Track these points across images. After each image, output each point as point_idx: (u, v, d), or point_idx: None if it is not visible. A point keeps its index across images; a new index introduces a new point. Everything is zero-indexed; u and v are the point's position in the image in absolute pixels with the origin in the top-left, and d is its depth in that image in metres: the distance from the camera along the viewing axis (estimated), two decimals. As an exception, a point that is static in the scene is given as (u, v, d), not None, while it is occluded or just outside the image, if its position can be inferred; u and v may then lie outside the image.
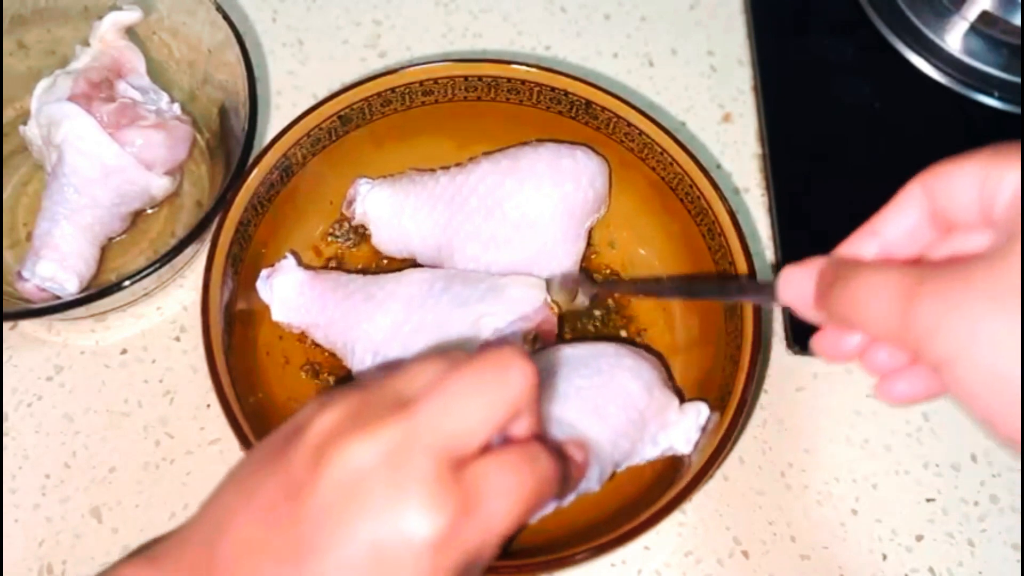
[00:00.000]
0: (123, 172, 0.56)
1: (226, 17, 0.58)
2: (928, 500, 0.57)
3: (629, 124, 0.57)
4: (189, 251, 0.54)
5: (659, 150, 0.57)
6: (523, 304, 0.52)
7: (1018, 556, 0.56)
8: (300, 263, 0.57)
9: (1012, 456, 0.58)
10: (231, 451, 0.56)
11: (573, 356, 0.53)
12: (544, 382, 0.50)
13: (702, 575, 0.54)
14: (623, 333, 0.59)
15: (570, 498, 0.48)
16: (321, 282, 0.55)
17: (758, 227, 0.64)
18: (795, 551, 0.55)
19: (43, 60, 0.62)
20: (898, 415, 0.59)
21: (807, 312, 0.37)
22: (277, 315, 0.55)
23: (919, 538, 0.56)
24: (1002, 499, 0.57)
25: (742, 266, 0.54)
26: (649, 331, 0.59)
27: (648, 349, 0.57)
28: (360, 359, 0.53)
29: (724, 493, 0.56)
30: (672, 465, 0.52)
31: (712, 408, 0.52)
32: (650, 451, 0.52)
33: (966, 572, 0.55)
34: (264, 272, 0.56)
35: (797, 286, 0.37)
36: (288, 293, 0.55)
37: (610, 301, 0.60)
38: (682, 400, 0.54)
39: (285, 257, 0.56)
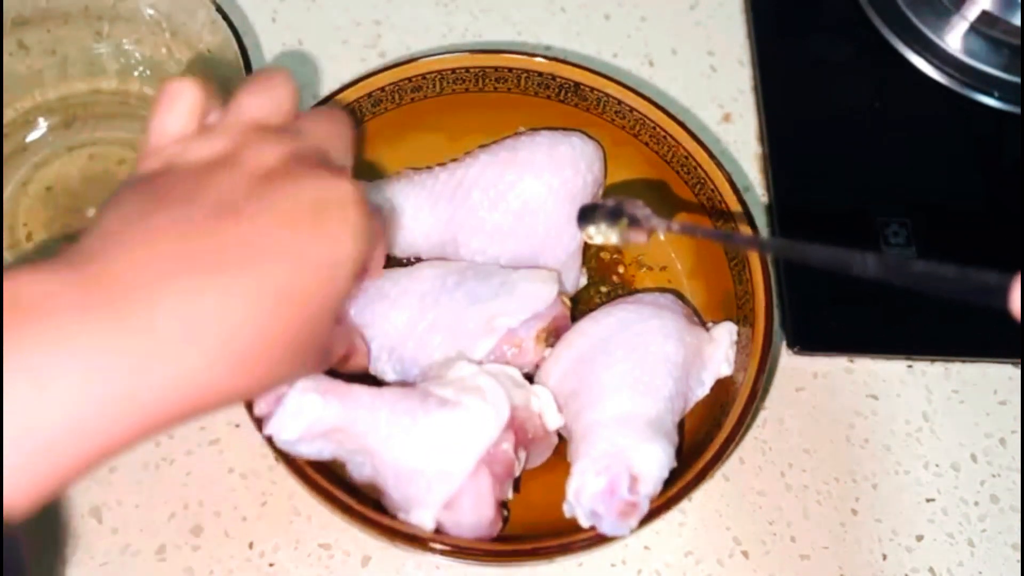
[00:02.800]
0: None
1: (226, 17, 0.58)
2: (928, 500, 0.57)
3: (620, 102, 0.58)
4: (189, 251, 0.54)
5: (652, 125, 0.57)
6: (536, 302, 0.52)
7: (1018, 556, 0.56)
8: None
9: (1012, 456, 0.58)
10: (231, 451, 0.56)
11: (599, 336, 0.53)
12: (582, 373, 0.51)
13: (702, 575, 0.54)
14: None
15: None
16: None
17: (759, 227, 0.64)
18: (795, 551, 0.55)
19: (43, 60, 0.62)
20: (898, 415, 0.59)
21: None
22: None
23: (919, 538, 0.56)
24: (1002, 499, 0.57)
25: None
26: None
27: (662, 289, 0.58)
28: (375, 356, 0.53)
29: (724, 493, 0.56)
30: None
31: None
32: (700, 392, 0.54)
33: (966, 572, 0.55)
34: None
35: None
36: None
37: (615, 278, 0.60)
38: (704, 322, 0.56)
39: None
